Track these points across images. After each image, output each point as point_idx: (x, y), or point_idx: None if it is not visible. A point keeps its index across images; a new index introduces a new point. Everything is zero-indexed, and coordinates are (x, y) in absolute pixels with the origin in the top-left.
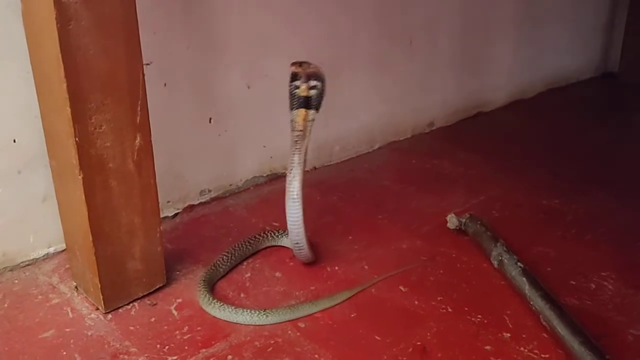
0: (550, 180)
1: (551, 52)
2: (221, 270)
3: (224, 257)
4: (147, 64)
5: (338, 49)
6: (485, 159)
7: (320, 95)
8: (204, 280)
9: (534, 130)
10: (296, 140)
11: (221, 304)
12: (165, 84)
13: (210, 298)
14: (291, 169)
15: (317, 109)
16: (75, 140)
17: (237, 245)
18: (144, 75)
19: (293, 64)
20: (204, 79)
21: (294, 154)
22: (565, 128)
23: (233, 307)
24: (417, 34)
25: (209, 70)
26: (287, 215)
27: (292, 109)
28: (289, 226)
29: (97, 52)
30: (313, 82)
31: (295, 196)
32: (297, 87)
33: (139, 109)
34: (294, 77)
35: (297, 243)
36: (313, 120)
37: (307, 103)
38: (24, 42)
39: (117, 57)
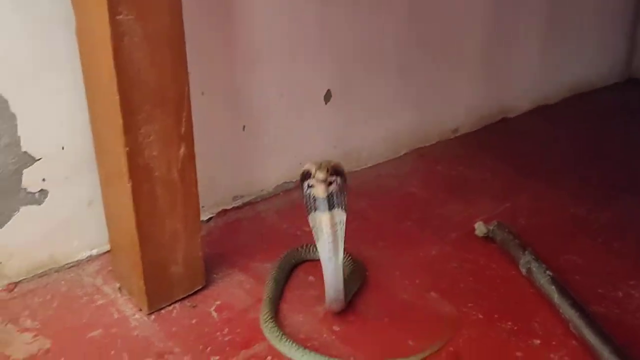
0: (577, 187)
1: (575, 58)
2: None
3: (272, 284)
4: None
5: (365, 57)
6: (511, 166)
7: (342, 190)
8: (268, 316)
9: (559, 137)
10: (329, 250)
11: (297, 346)
12: (202, 93)
13: (282, 336)
14: (330, 288)
15: (343, 207)
16: (126, 150)
17: (281, 266)
18: (189, 87)
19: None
20: (239, 88)
21: (329, 274)
22: (590, 134)
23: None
24: (442, 41)
25: (244, 79)
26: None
27: (311, 212)
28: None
29: (148, 66)
30: (331, 178)
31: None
32: (312, 186)
33: (184, 119)
34: (306, 175)
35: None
36: (343, 223)
37: (330, 203)
38: (73, 56)
39: (165, 70)
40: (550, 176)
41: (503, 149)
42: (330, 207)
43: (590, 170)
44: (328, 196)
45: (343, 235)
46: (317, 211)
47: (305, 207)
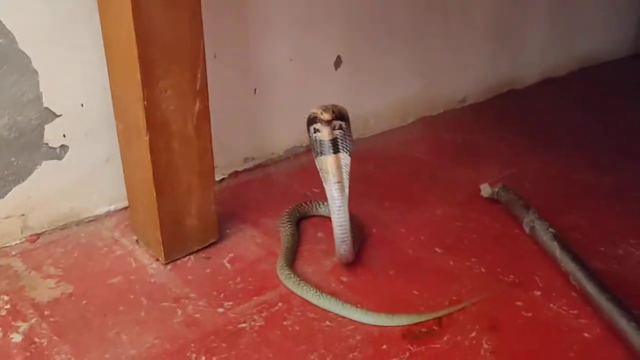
0: (583, 155)
1: (585, 31)
2: (294, 249)
3: (289, 237)
4: None
5: (375, 25)
6: (518, 134)
7: (347, 135)
8: (284, 264)
9: (566, 108)
10: (335, 189)
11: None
12: (215, 55)
13: (299, 281)
14: (339, 228)
15: (348, 152)
16: (144, 104)
17: (290, 223)
18: (204, 44)
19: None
20: (250, 51)
21: (337, 212)
22: (598, 105)
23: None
24: (452, 11)
25: (255, 44)
26: (337, 248)
27: (318, 155)
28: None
29: (164, 22)
30: (336, 122)
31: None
32: (318, 130)
33: (199, 75)
34: (313, 120)
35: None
36: (348, 166)
37: (335, 147)
38: (92, 14)
39: (182, 27)
40: (557, 144)
41: (510, 119)
42: (336, 150)
43: (597, 139)
44: (333, 140)
45: (348, 177)
46: (323, 154)
47: (312, 151)
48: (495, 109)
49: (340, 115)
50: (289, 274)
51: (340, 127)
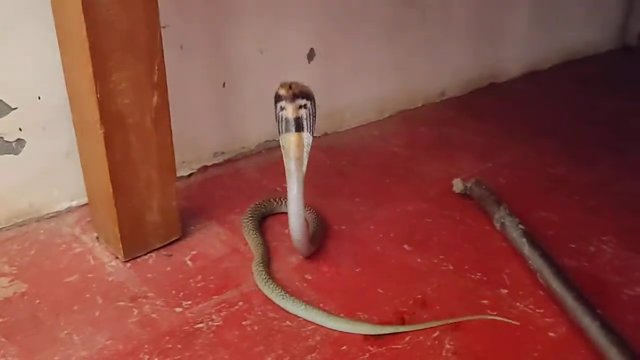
0: (560, 149)
1: (568, 24)
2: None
3: (257, 235)
4: (164, 27)
5: (350, 17)
6: (496, 128)
7: (311, 115)
8: (260, 263)
9: (547, 102)
10: (293, 164)
11: (288, 295)
12: (181, 47)
13: (267, 279)
14: (292, 202)
15: (311, 131)
16: (97, 97)
17: (256, 220)
18: (161, 35)
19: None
20: (218, 44)
21: (292, 185)
22: (580, 100)
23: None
24: (431, 2)
25: (224, 35)
26: (290, 224)
27: (282, 133)
28: (291, 228)
29: (117, 12)
30: (301, 101)
31: (299, 233)
32: (284, 109)
33: (156, 68)
34: (278, 98)
35: (299, 241)
36: (309, 145)
37: (298, 125)
38: (47, 2)
39: (136, 17)
40: (535, 138)
41: (489, 113)
42: (299, 128)
43: (575, 133)
44: (297, 118)
45: (307, 156)
46: (286, 132)
47: (277, 128)
48: (476, 102)
49: (304, 94)
50: (261, 270)
51: (305, 107)
